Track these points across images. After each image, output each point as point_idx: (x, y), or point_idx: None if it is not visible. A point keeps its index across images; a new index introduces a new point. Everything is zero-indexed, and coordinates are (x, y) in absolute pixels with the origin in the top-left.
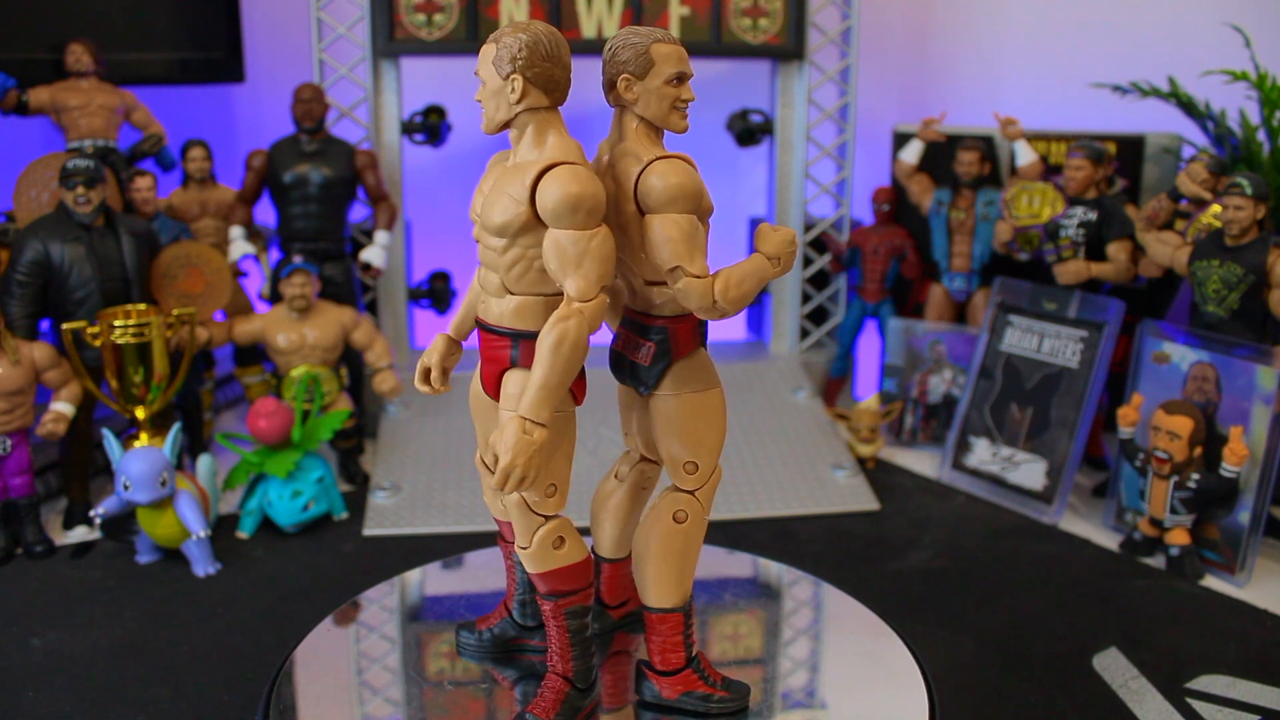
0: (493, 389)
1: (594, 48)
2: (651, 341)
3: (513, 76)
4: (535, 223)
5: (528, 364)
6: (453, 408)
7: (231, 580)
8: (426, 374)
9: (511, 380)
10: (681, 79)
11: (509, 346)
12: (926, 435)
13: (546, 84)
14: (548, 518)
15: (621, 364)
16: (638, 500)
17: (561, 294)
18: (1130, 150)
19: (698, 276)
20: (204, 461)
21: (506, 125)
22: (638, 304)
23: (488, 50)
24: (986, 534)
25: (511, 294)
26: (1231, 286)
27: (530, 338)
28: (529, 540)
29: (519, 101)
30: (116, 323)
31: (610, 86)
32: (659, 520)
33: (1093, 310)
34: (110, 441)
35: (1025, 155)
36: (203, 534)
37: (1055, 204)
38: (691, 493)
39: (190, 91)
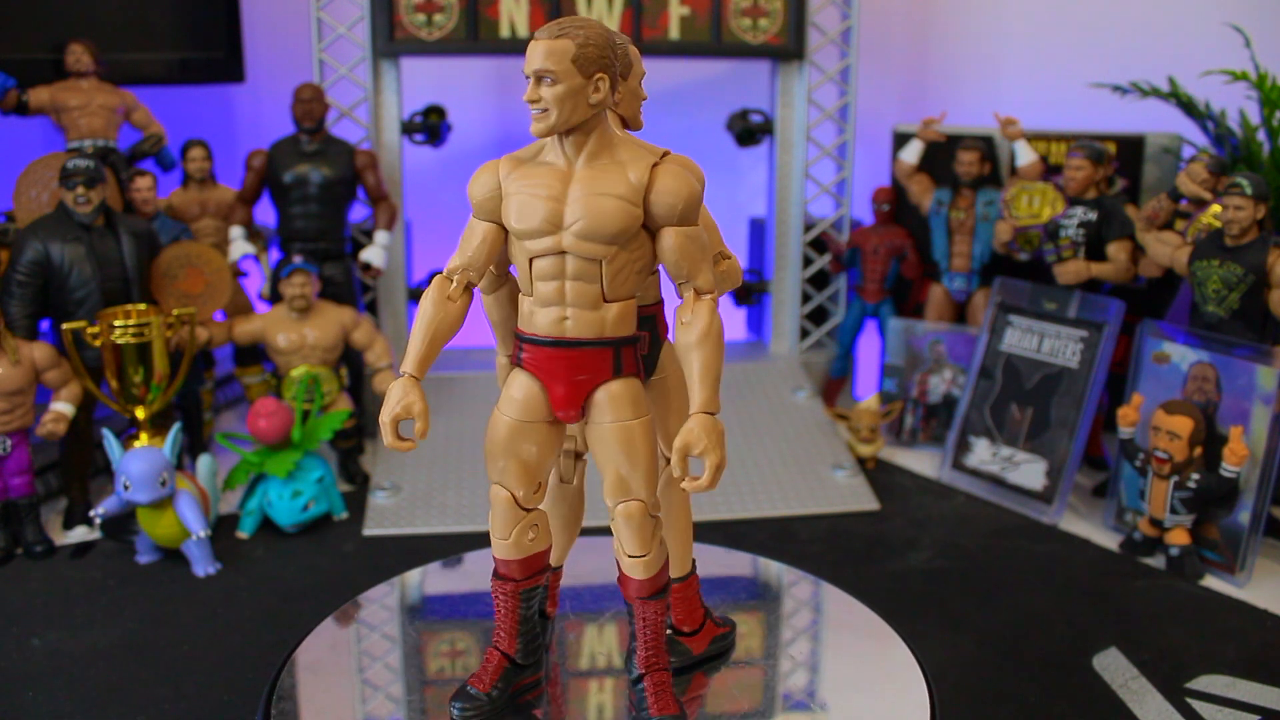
0: (575, 408)
1: None
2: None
3: (599, 76)
4: (641, 225)
5: (632, 370)
6: (452, 408)
7: (231, 580)
8: (397, 425)
9: (613, 390)
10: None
11: (610, 357)
12: (926, 435)
13: (615, 83)
14: (657, 518)
15: None
16: (582, 501)
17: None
18: (1130, 150)
19: (730, 258)
20: (204, 461)
21: (576, 127)
22: None
23: (563, 46)
24: (986, 534)
25: (609, 302)
26: (1231, 286)
27: (630, 343)
28: (651, 545)
29: (601, 101)
30: (116, 323)
31: None
32: (673, 495)
33: (1093, 310)
34: (110, 441)
35: (1025, 155)
36: (203, 534)
37: (1055, 204)
38: None
39: (190, 91)
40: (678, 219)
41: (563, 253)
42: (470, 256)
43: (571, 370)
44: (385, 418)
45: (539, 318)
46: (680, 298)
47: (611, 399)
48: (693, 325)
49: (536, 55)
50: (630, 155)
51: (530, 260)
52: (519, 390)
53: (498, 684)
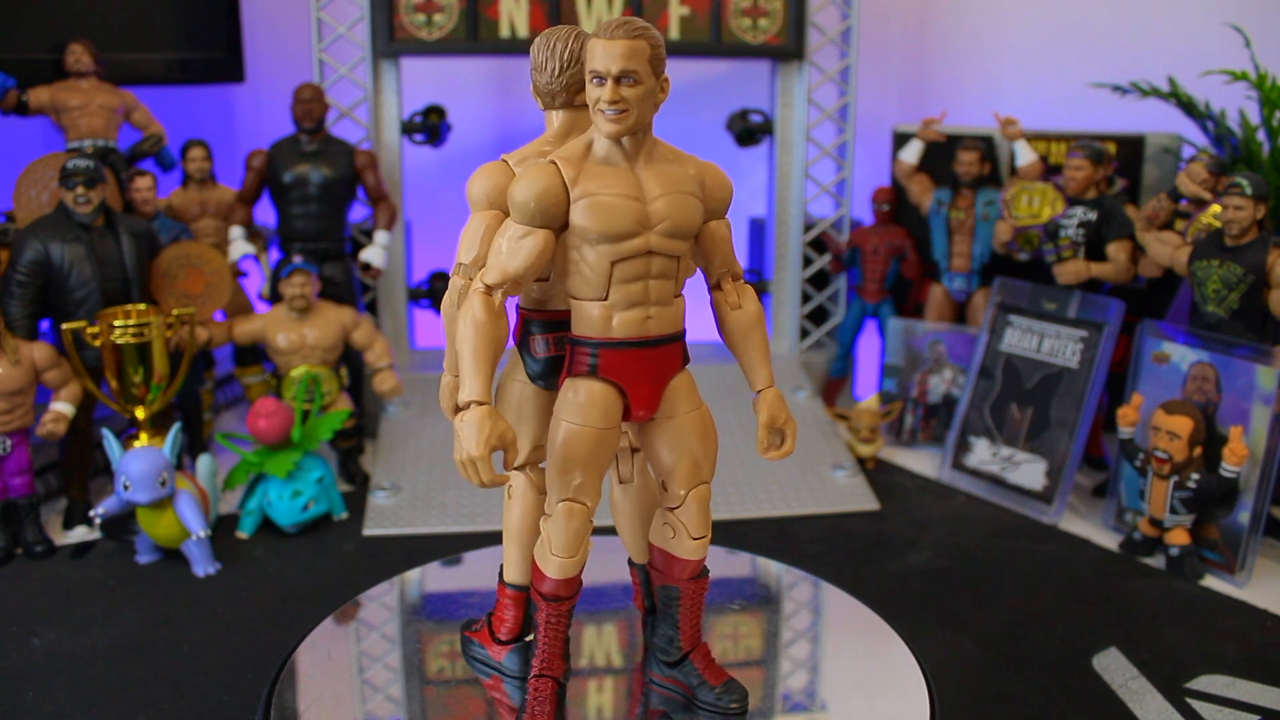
0: (655, 406)
1: None
2: None
3: (664, 77)
4: None
5: (688, 360)
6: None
7: (231, 580)
8: (487, 458)
9: (683, 381)
10: None
11: (681, 350)
12: (926, 435)
13: None
14: None
15: None
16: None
17: None
18: (1130, 150)
19: None
20: (204, 461)
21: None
22: None
23: (641, 47)
24: (986, 534)
25: (677, 297)
26: (1231, 286)
27: (684, 334)
28: (710, 526)
29: (661, 102)
30: (116, 323)
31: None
32: (650, 485)
33: (1093, 310)
34: (110, 441)
35: (1025, 155)
36: (203, 534)
37: (1055, 204)
38: None
39: (190, 91)
40: (725, 212)
41: (649, 253)
42: (527, 267)
43: (654, 368)
44: (479, 452)
45: (618, 320)
46: (719, 287)
47: (685, 389)
48: (746, 308)
49: (618, 55)
50: (673, 153)
51: (612, 264)
52: (589, 397)
53: (557, 715)
